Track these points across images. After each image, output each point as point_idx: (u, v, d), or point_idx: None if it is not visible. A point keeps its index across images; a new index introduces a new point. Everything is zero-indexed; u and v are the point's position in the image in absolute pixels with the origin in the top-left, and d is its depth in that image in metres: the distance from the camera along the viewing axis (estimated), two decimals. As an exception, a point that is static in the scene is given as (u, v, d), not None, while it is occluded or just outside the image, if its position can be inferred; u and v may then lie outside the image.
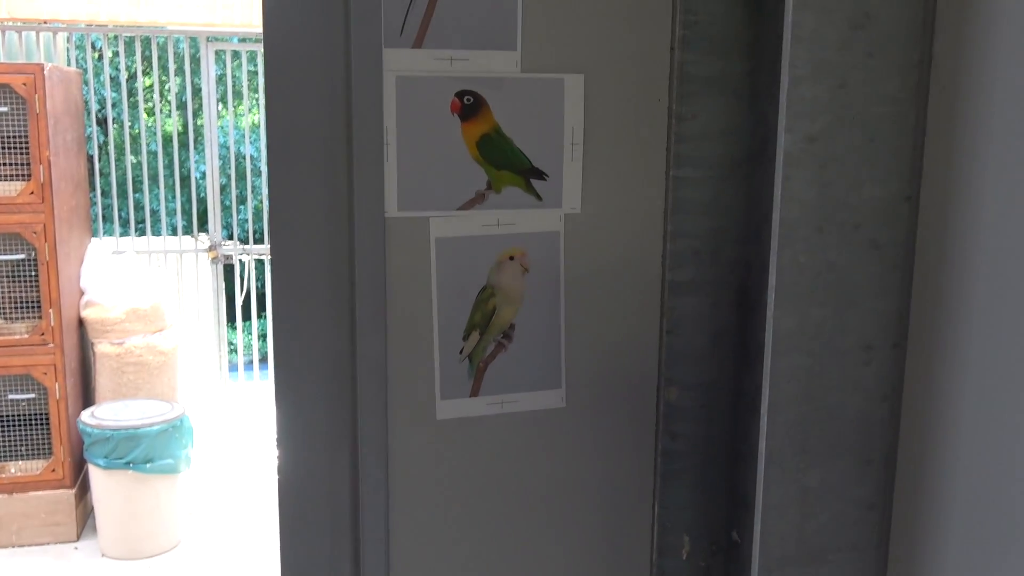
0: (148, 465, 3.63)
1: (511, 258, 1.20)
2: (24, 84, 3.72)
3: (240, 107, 6.25)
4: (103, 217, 5.55)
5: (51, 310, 3.81)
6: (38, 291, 3.82)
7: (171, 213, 5.13)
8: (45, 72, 3.75)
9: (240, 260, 4.74)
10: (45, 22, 4.49)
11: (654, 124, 1.22)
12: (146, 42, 5.00)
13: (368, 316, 1.17)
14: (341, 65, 1.13)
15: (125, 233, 5.32)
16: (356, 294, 1.17)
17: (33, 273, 3.82)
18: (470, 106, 1.16)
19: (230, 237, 5.55)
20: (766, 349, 1.03)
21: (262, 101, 6.19)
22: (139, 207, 5.36)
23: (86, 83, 5.04)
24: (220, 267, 4.70)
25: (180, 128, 5.58)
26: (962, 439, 0.98)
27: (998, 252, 0.93)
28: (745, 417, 1.27)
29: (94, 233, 4.56)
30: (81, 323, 4.05)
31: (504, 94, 1.16)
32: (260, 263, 5.06)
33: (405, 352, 1.19)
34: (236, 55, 4.98)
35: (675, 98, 1.21)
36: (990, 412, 0.94)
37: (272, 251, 1.17)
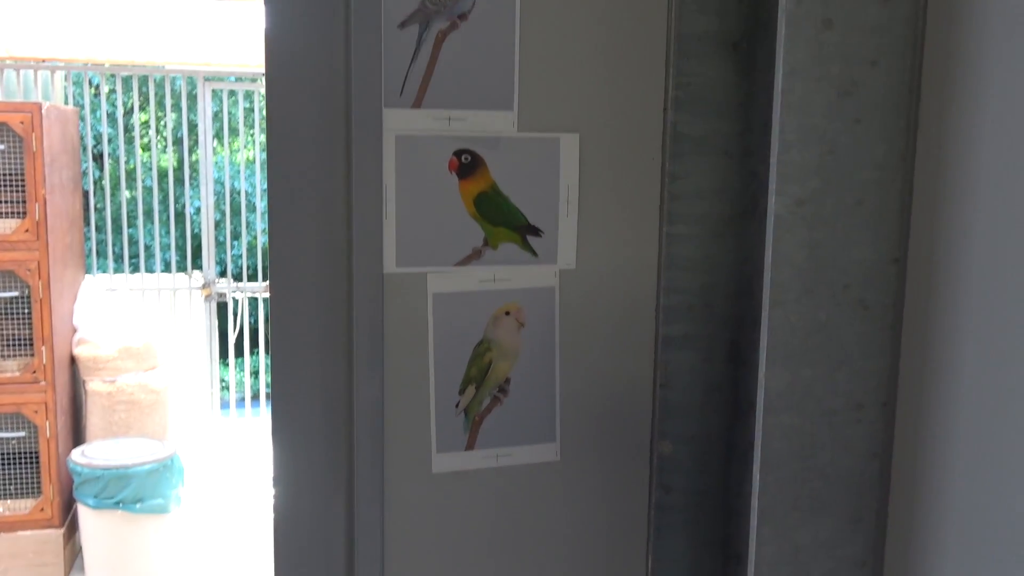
0: (138, 505, 3.61)
1: (507, 313, 1.22)
2: (22, 123, 3.75)
3: (236, 143, 6.29)
4: (97, 252, 5.56)
5: (43, 348, 3.81)
6: (31, 329, 3.82)
7: (165, 248, 5.14)
8: (43, 111, 3.78)
9: (233, 297, 4.75)
10: (44, 60, 4.53)
11: (648, 182, 1.24)
12: (143, 79, 5.04)
13: (365, 370, 1.18)
14: (342, 124, 1.16)
15: (119, 269, 5.32)
16: (354, 348, 1.18)
17: (26, 310, 3.82)
18: (468, 164, 1.18)
19: (223, 273, 5.56)
20: (757, 408, 1.05)
21: (258, 137, 6.23)
22: (133, 242, 5.37)
23: (83, 119, 5.07)
24: (213, 304, 4.71)
25: (175, 163, 5.61)
26: (952, 497, 1.00)
27: (985, 312, 0.95)
28: (738, 470, 1.28)
29: (88, 269, 4.57)
30: (73, 361, 4.05)
31: (501, 153, 1.19)
32: (253, 300, 5.06)
33: (402, 405, 1.21)
34: (232, 93, 5.03)
35: (668, 157, 1.23)
36: (979, 471, 0.96)
37: (272, 305, 1.19)
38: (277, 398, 1.18)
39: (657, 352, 1.27)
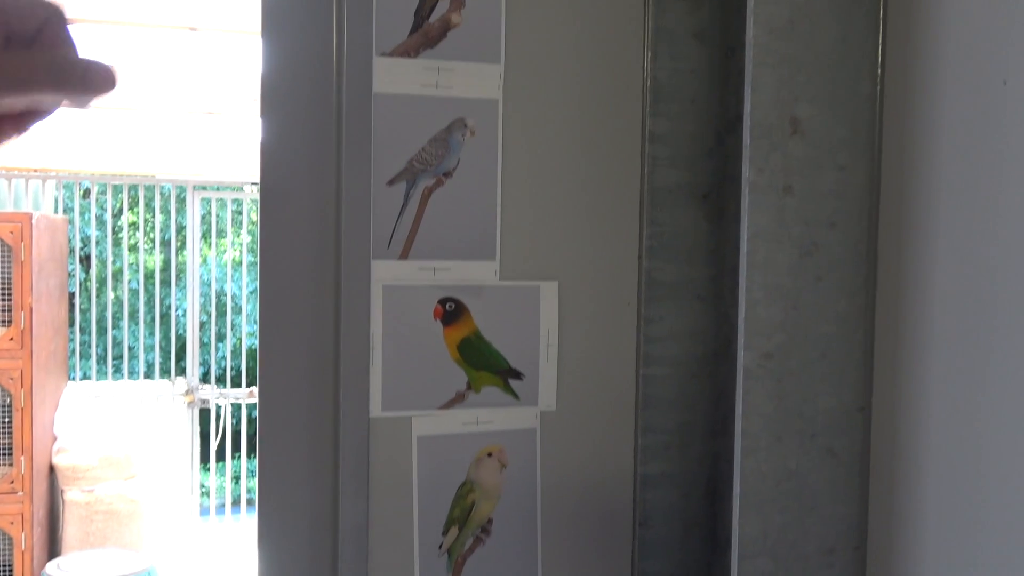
0: (113, 620, 3.53)
1: (489, 454, 1.25)
2: (11, 233, 3.81)
3: (223, 243, 6.36)
4: (80, 354, 5.56)
5: (23, 457, 3.77)
6: (11, 438, 3.80)
7: (148, 349, 5.14)
8: (33, 221, 3.84)
9: (217, 404, 4.74)
10: (36, 170, 4.62)
11: (624, 326, 1.30)
12: (134, 187, 5.14)
13: (350, 511, 1.21)
14: (331, 275, 1.21)
15: (102, 370, 5.31)
16: (339, 490, 1.21)
17: (7, 419, 3.80)
18: (452, 312, 1.23)
19: (206, 375, 5.56)
20: (732, 552, 1.08)
21: (244, 239, 6.30)
22: (117, 343, 5.37)
23: (72, 222, 5.14)
24: (196, 411, 4.69)
25: (161, 264, 5.67)
26: (923, 644, 1.02)
27: (949, 459, 1.00)
28: (717, 607, 1.30)
29: (70, 370, 4.57)
30: (52, 470, 4.01)
31: (484, 300, 1.24)
32: (236, 407, 5.05)
33: (386, 546, 1.23)
34: (222, 201, 5.12)
35: (643, 302, 1.29)
36: (946, 621, 0.99)
37: (260, 450, 1.22)
38: (264, 550, 1.20)
39: (636, 490, 1.30)
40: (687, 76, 1.27)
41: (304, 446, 1.22)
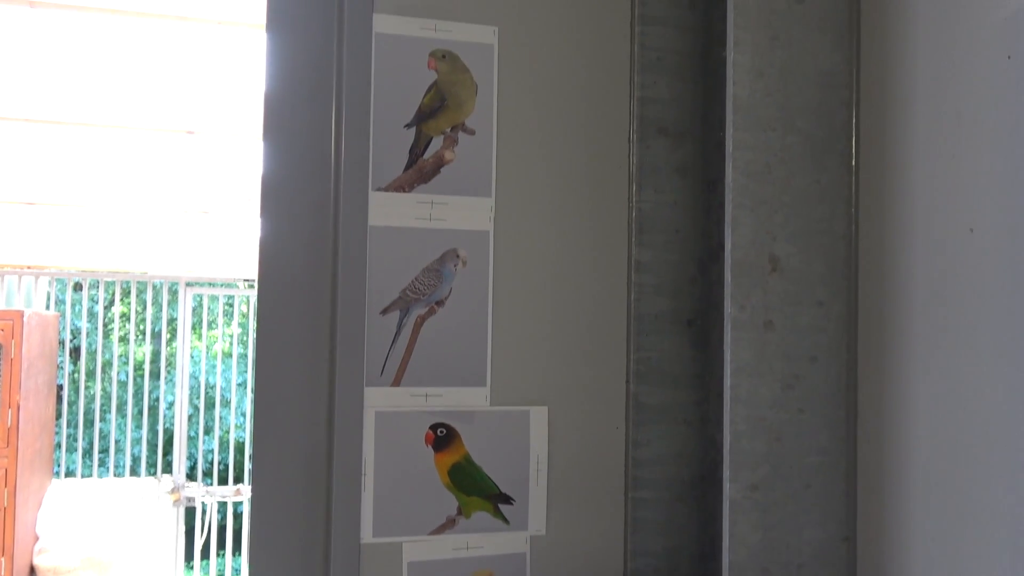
0: None
1: (479, 580, 1.26)
2: (2, 330, 3.82)
3: (213, 336, 6.37)
4: (66, 447, 5.50)
5: (3, 558, 3.70)
6: (-8, 537, 3.73)
7: (135, 442, 5.10)
8: (24, 318, 3.86)
9: (203, 502, 4.68)
10: (29, 267, 4.66)
11: (612, 450, 1.32)
12: (126, 281, 5.17)
13: (340, 641, 1.21)
14: (324, 402, 1.24)
15: (87, 464, 5.25)
16: (329, 618, 1.21)
17: (-11, 519, 3.74)
18: (443, 438, 1.25)
19: (193, 469, 5.49)
20: None
21: (235, 330, 6.28)
22: (103, 436, 5.33)
23: (63, 315, 5.15)
24: (182, 509, 4.63)
25: (151, 356, 5.66)
26: None
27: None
28: None
29: (55, 464, 4.51)
30: (32, 570, 3.93)
31: (475, 426, 1.27)
32: (223, 504, 4.98)
33: (375, 676, 1.22)
34: (214, 296, 5.16)
35: (631, 426, 1.32)
36: None
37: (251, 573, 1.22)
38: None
39: (625, 616, 1.30)
40: (670, 208, 1.33)
41: (296, 573, 1.22)
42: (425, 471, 1.25)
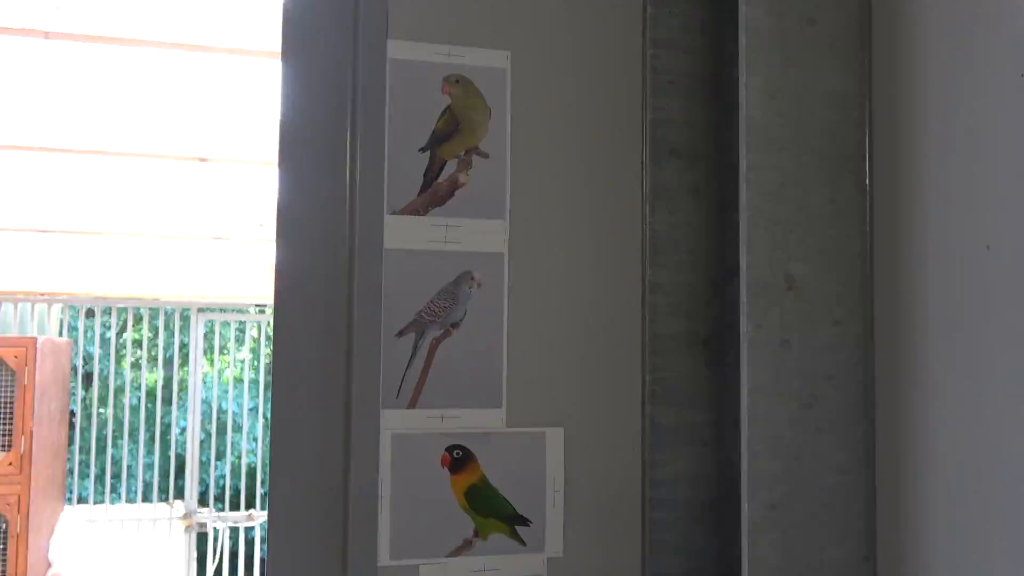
0: None
1: (497, 604, 1.25)
2: (16, 357, 3.84)
3: (225, 360, 6.39)
4: (78, 473, 5.51)
5: (16, 585, 3.70)
6: (4, 564, 3.73)
7: (147, 468, 5.10)
8: (38, 345, 3.88)
9: (215, 528, 4.68)
10: (43, 294, 4.69)
11: (629, 471, 1.32)
12: (138, 308, 5.20)
13: (358, 665, 1.20)
14: (341, 424, 1.24)
15: (99, 491, 5.25)
16: (347, 643, 1.21)
17: (2, 546, 3.75)
18: (459, 459, 1.25)
19: (204, 493, 5.49)
20: None
21: (246, 356, 6.29)
22: (115, 461, 5.34)
23: (75, 341, 5.18)
24: (194, 535, 4.63)
25: (163, 382, 5.68)
26: None
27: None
28: None
29: (68, 490, 4.52)
30: (45, 597, 3.92)
31: (491, 447, 1.27)
32: (235, 530, 4.98)
33: None
34: (225, 322, 5.18)
35: (647, 447, 1.32)
36: None
37: (267, 600, 1.22)
38: None
39: (644, 639, 1.29)
40: (684, 229, 1.33)
41: (312, 597, 1.22)
42: (442, 493, 1.25)
